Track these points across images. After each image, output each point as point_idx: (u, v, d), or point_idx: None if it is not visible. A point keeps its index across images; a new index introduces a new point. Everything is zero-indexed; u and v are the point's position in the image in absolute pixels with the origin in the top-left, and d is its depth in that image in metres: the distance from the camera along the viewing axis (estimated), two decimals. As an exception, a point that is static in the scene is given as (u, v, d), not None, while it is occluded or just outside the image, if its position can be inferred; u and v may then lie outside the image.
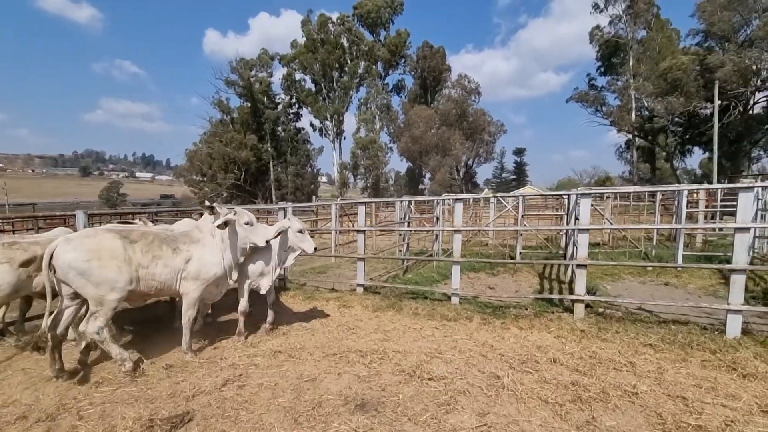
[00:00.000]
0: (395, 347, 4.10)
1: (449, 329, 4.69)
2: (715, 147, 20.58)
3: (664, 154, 38.32)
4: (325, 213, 16.51)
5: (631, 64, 35.43)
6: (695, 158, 42.15)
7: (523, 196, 8.71)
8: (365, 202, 6.26)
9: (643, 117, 35.57)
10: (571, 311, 5.04)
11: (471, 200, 14.95)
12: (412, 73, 46.25)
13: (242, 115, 44.04)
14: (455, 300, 5.59)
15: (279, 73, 47.29)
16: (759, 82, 28.62)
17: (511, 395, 3.13)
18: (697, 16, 30.82)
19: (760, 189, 6.66)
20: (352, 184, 47.37)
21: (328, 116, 44.87)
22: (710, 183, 23.73)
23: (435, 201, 8.62)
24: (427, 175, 45.89)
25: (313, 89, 45.06)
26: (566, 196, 7.79)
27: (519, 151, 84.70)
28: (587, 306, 5.12)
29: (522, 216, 8.89)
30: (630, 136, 38.51)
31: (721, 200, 10.65)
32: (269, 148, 44.75)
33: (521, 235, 9.16)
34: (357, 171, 44.88)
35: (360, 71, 43.86)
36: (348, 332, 4.61)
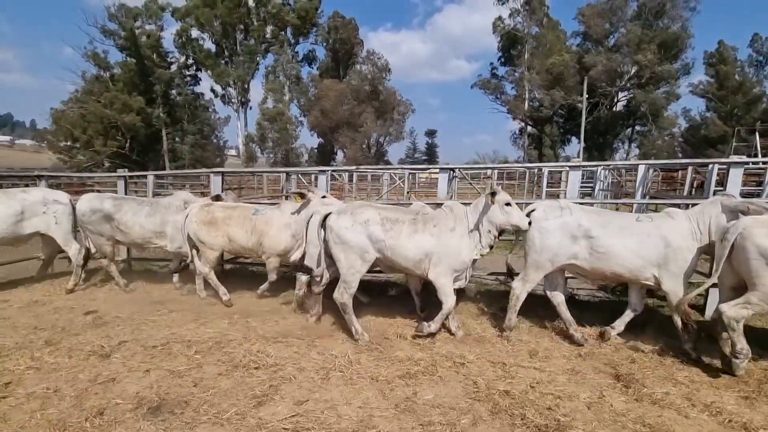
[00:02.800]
0: (235, 335, 3.68)
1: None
2: (582, 137, 23.73)
3: (549, 142, 42.98)
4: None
5: (526, 57, 38.48)
6: (573, 147, 48.08)
7: (411, 172, 8.76)
8: (223, 173, 5.59)
9: (533, 107, 39.23)
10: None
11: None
12: (324, 44, 44.39)
13: (126, 73, 37.94)
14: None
15: (173, 28, 41.56)
16: (622, 83, 33.36)
17: (340, 377, 2.98)
18: (578, 19, 34.52)
19: (602, 171, 7.60)
20: (262, 158, 44.55)
21: (231, 82, 41.05)
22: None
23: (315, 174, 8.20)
24: (340, 152, 45.20)
25: (214, 50, 40.63)
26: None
27: (431, 133, 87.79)
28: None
29: (408, 192, 9.02)
30: (523, 124, 42.28)
31: (582, 182, 12.11)
32: (161, 114, 39.55)
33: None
34: (264, 144, 42.23)
35: (267, 36, 40.66)
36: (190, 319, 4.05)
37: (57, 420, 2.36)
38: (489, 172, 10.99)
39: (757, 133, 18.93)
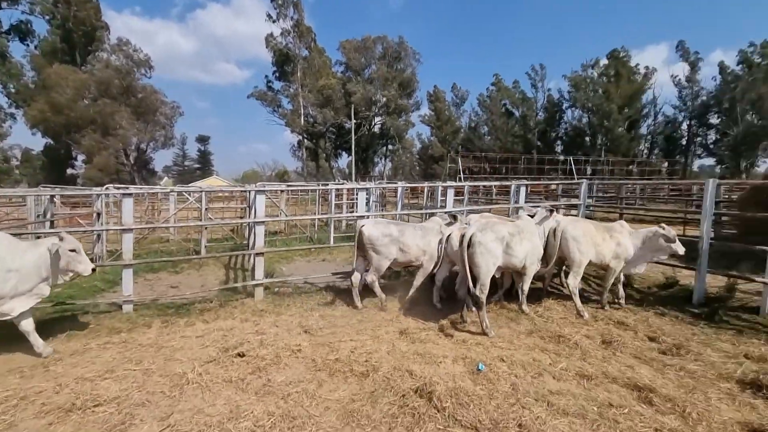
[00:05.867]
0: (41, 385, 3.23)
1: (124, 343, 4.15)
2: (353, 153, 28.09)
3: (324, 155, 47.61)
4: None
5: (299, 75, 41.42)
6: (344, 160, 54.71)
7: (204, 191, 8.61)
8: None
9: (309, 122, 42.66)
10: (253, 295, 5.64)
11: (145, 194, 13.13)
12: (48, 17, 34.27)
13: None
14: (128, 308, 4.95)
15: None
16: (376, 110, 40.84)
17: (196, 387, 3.25)
18: (340, 50, 40.05)
19: (374, 186, 9.82)
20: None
21: None
22: (352, 180, 31.87)
23: (94, 194, 7.07)
24: (81, 158, 35.82)
25: None
26: (248, 191, 8.41)
27: (203, 139, 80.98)
28: (266, 288, 5.88)
29: (206, 209, 8.81)
30: (300, 137, 45.21)
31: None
32: None
33: (206, 228, 9.08)
34: (-63, 142, 28.89)
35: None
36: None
37: None
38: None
39: (459, 157, 27.32)
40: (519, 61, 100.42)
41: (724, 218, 9.08)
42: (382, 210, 11.65)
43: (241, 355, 3.86)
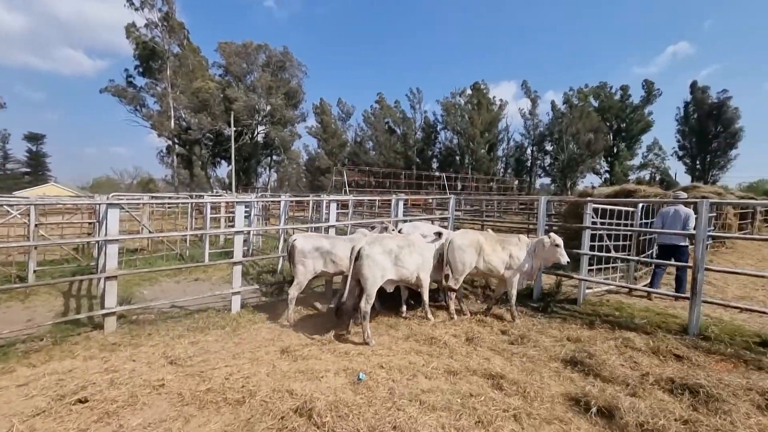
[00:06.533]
0: None
1: None
2: (233, 162, 26.21)
3: (200, 163, 43.33)
4: None
5: (168, 73, 37.10)
6: (224, 169, 50.70)
7: (34, 204, 6.96)
8: None
9: (181, 127, 38.40)
10: (103, 327, 4.78)
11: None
12: None
13: None
14: None
15: None
16: (259, 119, 39.06)
17: (15, 451, 2.61)
18: (219, 52, 37.33)
19: (255, 200, 9.33)
20: None
21: None
22: (233, 191, 29.72)
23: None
24: None
25: None
26: (97, 204, 7.13)
27: (35, 138, 66.45)
28: (121, 317, 5.06)
29: (36, 225, 7.12)
30: (170, 142, 40.32)
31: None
32: None
33: (35, 249, 7.35)
34: None
35: None
36: None
37: None
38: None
39: (345, 170, 27.89)
40: (399, 83, 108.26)
41: (554, 228, 11.18)
42: (266, 224, 11.17)
43: (83, 400, 3.25)
